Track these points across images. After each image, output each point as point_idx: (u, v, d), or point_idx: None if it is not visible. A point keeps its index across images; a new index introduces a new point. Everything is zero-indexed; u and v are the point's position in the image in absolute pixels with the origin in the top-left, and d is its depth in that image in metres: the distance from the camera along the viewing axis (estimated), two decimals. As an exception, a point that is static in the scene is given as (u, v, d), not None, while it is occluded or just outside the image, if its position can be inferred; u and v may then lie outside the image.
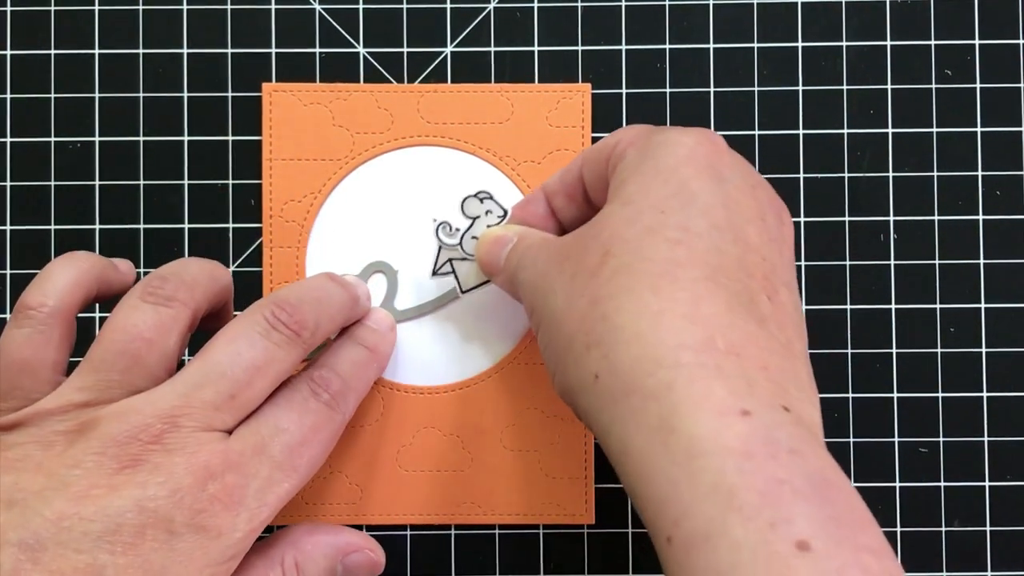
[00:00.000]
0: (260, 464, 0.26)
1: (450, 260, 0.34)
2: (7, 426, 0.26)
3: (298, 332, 0.28)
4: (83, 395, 0.26)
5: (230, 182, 0.35)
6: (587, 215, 0.30)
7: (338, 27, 0.35)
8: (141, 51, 0.35)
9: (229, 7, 0.35)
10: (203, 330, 0.30)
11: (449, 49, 0.35)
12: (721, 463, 0.20)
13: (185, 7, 0.35)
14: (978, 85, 0.35)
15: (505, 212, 0.33)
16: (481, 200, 0.34)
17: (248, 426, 0.27)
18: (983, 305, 0.35)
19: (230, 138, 0.35)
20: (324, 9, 0.35)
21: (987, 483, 0.34)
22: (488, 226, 0.33)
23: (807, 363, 0.24)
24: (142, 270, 0.35)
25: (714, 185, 0.25)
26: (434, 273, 0.34)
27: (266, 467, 0.27)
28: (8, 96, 0.35)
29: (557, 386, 0.25)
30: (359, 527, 0.34)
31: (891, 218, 0.35)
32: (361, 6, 0.35)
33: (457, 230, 0.34)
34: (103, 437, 0.25)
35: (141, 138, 0.35)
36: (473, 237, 0.33)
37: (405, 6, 0.35)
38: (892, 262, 0.35)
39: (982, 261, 0.35)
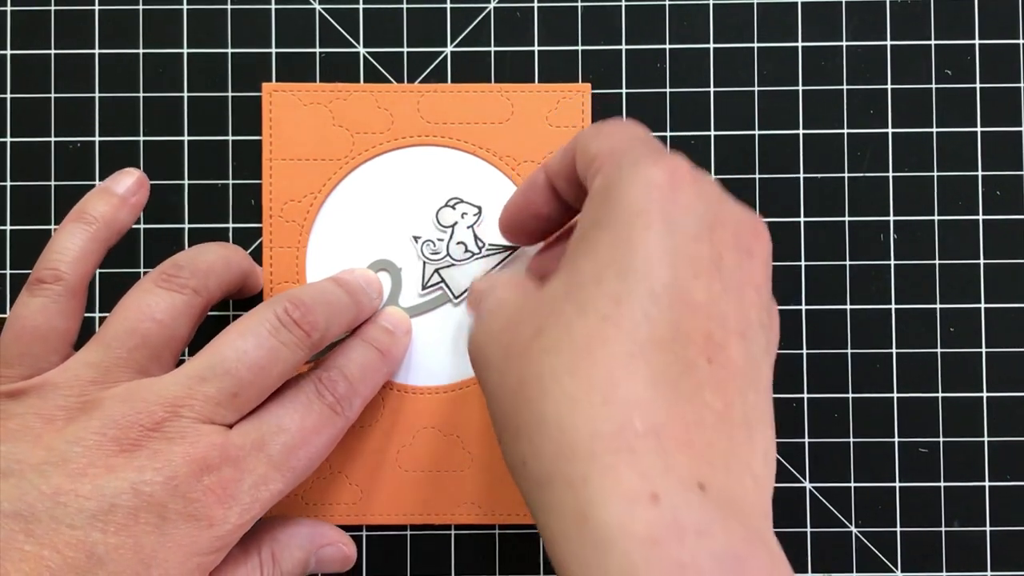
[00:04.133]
0: (257, 461, 0.27)
1: (437, 271, 0.34)
2: (11, 393, 0.26)
3: (308, 333, 0.28)
4: (90, 371, 0.26)
5: (230, 182, 0.35)
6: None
7: (338, 27, 0.35)
8: (141, 51, 0.35)
9: (229, 7, 0.35)
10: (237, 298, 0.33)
11: (449, 49, 0.35)
12: (628, 550, 0.19)
13: (185, 7, 0.35)
14: (978, 85, 0.35)
15: (479, 208, 0.34)
16: (453, 207, 0.34)
17: (250, 422, 0.27)
18: (983, 305, 0.35)
19: (230, 138, 0.35)
20: (324, 9, 0.35)
21: (987, 483, 0.34)
22: (468, 227, 0.34)
23: (752, 421, 0.22)
24: (142, 270, 0.35)
25: (662, 238, 0.23)
26: (424, 287, 0.34)
27: (263, 465, 0.27)
28: (8, 96, 0.35)
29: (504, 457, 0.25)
30: (359, 527, 0.34)
31: (891, 218, 0.35)
32: (361, 6, 0.35)
33: (440, 240, 0.34)
34: (105, 418, 0.25)
35: (141, 138, 0.35)
36: (459, 243, 0.34)
37: (405, 6, 0.35)
38: (892, 262, 0.35)
39: (982, 261, 0.35)
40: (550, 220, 0.31)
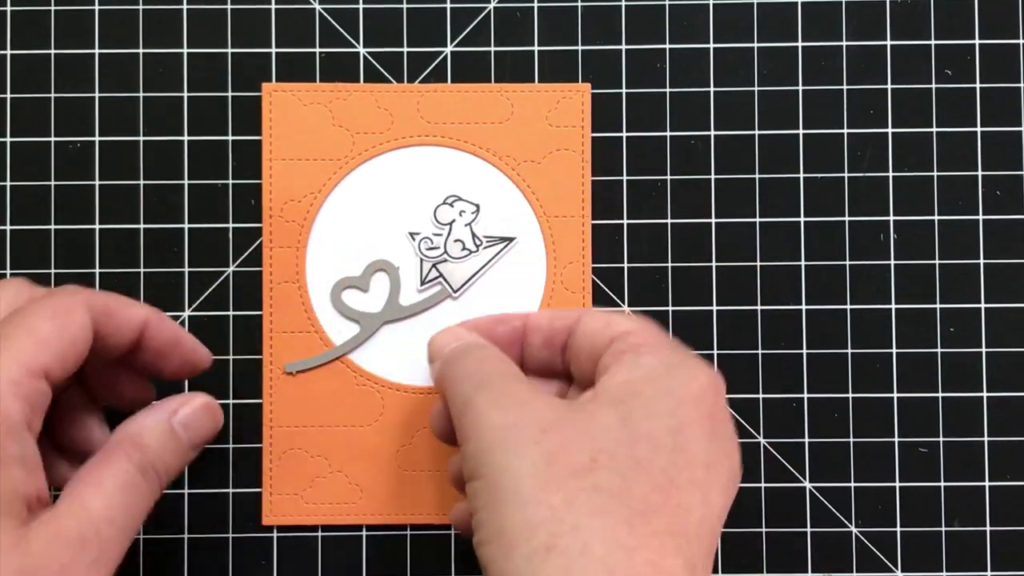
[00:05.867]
0: None
1: (435, 266, 0.34)
2: None
3: None
4: None
5: (230, 182, 0.35)
6: (552, 368, 0.30)
7: (338, 27, 0.35)
8: (141, 51, 0.35)
9: (229, 7, 0.35)
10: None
11: (449, 49, 0.35)
12: None
13: (185, 7, 0.35)
14: (978, 85, 0.35)
15: (477, 206, 0.34)
16: (451, 204, 0.34)
17: None
18: (983, 305, 0.35)
19: (230, 138, 0.35)
20: (324, 9, 0.35)
21: (987, 483, 0.34)
22: (466, 225, 0.34)
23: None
24: (142, 270, 0.35)
25: (707, 442, 0.25)
26: (422, 283, 0.34)
27: None
28: (8, 96, 0.35)
29: (481, 535, 0.24)
30: (359, 527, 0.34)
31: (891, 218, 0.35)
32: (361, 6, 0.35)
33: (438, 235, 0.34)
34: None
35: (141, 138, 0.35)
36: (456, 240, 0.34)
37: (405, 6, 0.35)
38: (892, 262, 0.35)
39: (982, 261, 0.35)
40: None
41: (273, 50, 0.35)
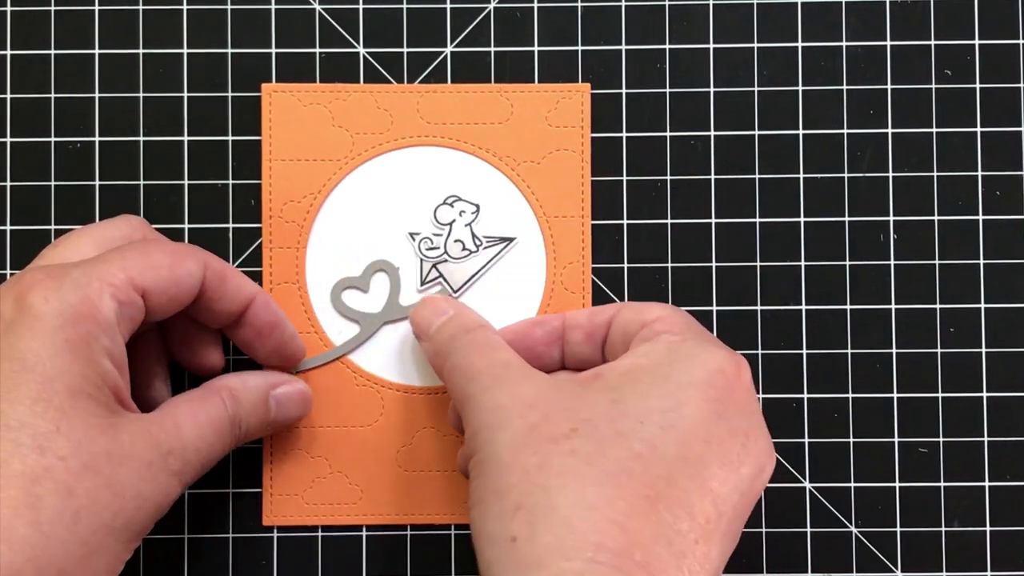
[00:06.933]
0: None
1: (435, 266, 0.34)
2: None
3: None
4: None
5: (230, 182, 0.35)
6: (595, 361, 0.30)
7: (338, 27, 0.35)
8: (141, 51, 0.35)
9: (229, 7, 0.35)
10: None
11: (449, 49, 0.35)
12: None
13: (185, 7, 0.35)
14: (978, 85, 0.35)
15: (477, 207, 0.34)
16: (451, 204, 0.34)
17: None
18: (983, 305, 0.35)
19: (230, 138, 0.35)
20: (324, 9, 0.35)
21: (987, 483, 0.34)
22: (466, 225, 0.34)
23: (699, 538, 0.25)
24: (142, 270, 0.35)
25: (708, 420, 0.25)
26: (422, 283, 0.34)
27: None
28: (8, 96, 0.35)
29: (470, 501, 0.26)
30: (359, 527, 0.34)
31: (891, 218, 0.35)
32: (361, 6, 0.35)
33: (437, 235, 0.34)
34: None
35: (141, 138, 0.35)
36: (456, 240, 0.34)
37: (405, 6, 0.35)
38: (892, 262, 0.35)
39: (982, 261, 0.35)
40: (539, 358, 0.31)
41: (273, 50, 0.35)
